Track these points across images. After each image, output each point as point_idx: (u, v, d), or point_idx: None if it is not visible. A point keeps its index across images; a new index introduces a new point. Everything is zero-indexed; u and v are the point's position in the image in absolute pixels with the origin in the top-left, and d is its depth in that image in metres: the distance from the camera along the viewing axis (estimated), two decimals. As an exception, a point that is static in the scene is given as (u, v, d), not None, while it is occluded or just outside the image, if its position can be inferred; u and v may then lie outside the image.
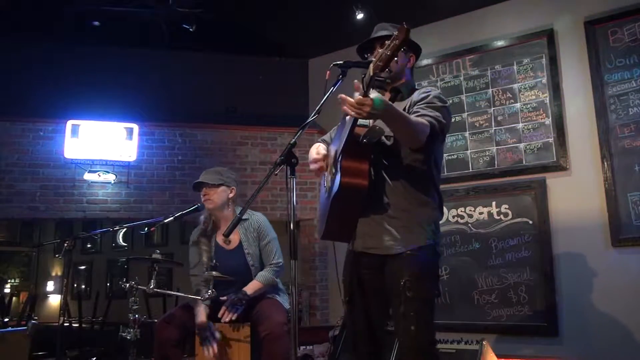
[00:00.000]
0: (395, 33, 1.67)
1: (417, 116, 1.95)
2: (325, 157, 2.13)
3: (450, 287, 4.05)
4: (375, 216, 2.03)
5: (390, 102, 1.85)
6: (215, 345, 2.88)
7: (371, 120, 2.06)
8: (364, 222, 2.06)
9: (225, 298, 2.92)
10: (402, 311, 1.92)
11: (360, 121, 1.96)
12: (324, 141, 2.35)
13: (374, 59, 1.76)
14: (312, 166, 2.15)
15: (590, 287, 3.55)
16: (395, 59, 1.73)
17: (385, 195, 2.03)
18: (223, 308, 2.90)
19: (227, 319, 2.88)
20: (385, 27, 2.16)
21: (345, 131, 1.96)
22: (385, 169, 2.04)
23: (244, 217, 3.02)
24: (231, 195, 3.14)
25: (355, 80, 1.82)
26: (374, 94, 1.79)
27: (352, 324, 2.13)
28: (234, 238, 3.12)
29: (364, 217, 2.05)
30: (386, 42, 1.72)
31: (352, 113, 1.79)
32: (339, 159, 1.96)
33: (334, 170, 2.05)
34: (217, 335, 2.90)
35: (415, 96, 2.08)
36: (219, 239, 3.16)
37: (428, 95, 2.05)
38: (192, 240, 3.22)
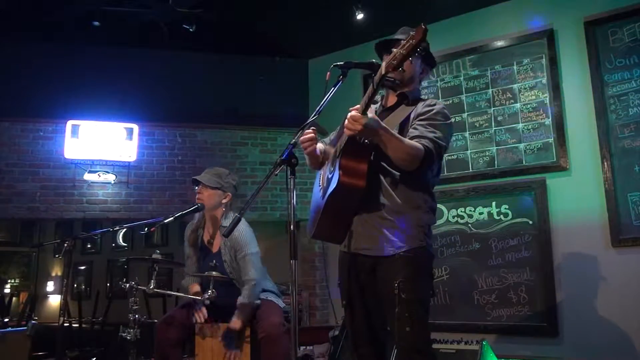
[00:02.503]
0: (412, 33, 1.66)
1: (415, 135, 1.95)
2: (314, 139, 2.11)
3: (450, 287, 4.05)
4: (369, 217, 2.04)
5: (385, 126, 1.86)
6: (204, 310, 2.97)
7: None
8: (357, 223, 2.06)
9: (207, 302, 2.93)
10: (396, 312, 1.92)
11: None
12: (323, 142, 2.35)
13: (386, 59, 1.75)
14: (304, 144, 2.12)
15: (590, 287, 3.55)
16: (410, 59, 1.71)
17: (380, 196, 2.03)
18: (226, 351, 2.92)
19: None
20: (407, 31, 2.16)
21: None
22: (381, 171, 2.04)
23: (225, 225, 3.05)
24: (224, 200, 3.14)
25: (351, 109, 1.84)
26: (370, 114, 1.81)
27: (353, 326, 2.12)
28: (216, 242, 3.15)
29: (358, 218, 2.05)
30: (402, 41, 1.70)
31: (347, 130, 1.82)
32: (339, 157, 1.96)
33: (332, 169, 2.04)
34: (207, 302, 2.92)
35: (420, 108, 2.08)
36: (205, 237, 3.20)
37: (431, 110, 2.04)
38: (185, 234, 3.30)
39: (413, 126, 2.01)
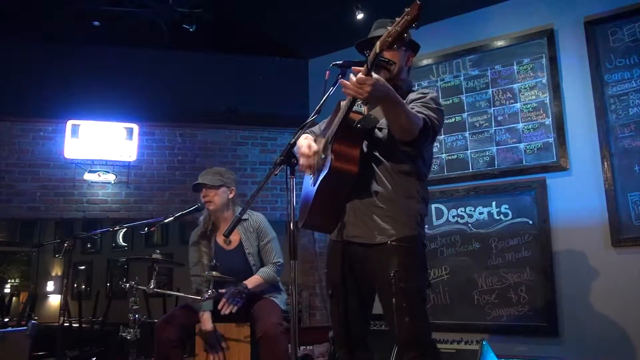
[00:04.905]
0: (407, 9, 1.62)
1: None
2: (316, 153, 2.08)
3: (450, 287, 4.05)
4: (362, 205, 2.03)
5: (390, 87, 1.82)
6: (220, 354, 2.90)
7: (366, 108, 2.05)
8: (349, 211, 2.05)
9: (224, 290, 2.90)
10: (394, 303, 1.90)
11: (356, 107, 1.95)
12: (312, 132, 2.31)
13: (380, 37, 1.70)
14: (302, 160, 2.06)
15: (590, 287, 3.55)
16: (405, 35, 1.66)
17: (373, 184, 2.02)
18: (222, 300, 2.88)
19: (227, 311, 2.86)
20: (385, 23, 2.16)
21: (340, 116, 1.95)
22: (374, 160, 2.04)
23: (243, 217, 3.04)
24: (231, 195, 3.13)
25: (354, 67, 1.80)
26: (375, 75, 1.77)
27: (337, 315, 2.10)
28: (234, 238, 3.11)
29: (350, 206, 2.04)
30: (396, 19, 1.66)
31: (351, 92, 1.76)
32: (331, 142, 1.95)
33: (323, 156, 2.03)
34: (224, 344, 2.92)
35: (412, 96, 2.09)
36: (219, 239, 3.16)
37: (424, 97, 2.05)
38: (191, 240, 3.22)
39: None
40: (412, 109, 1.97)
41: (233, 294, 2.88)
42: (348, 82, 1.76)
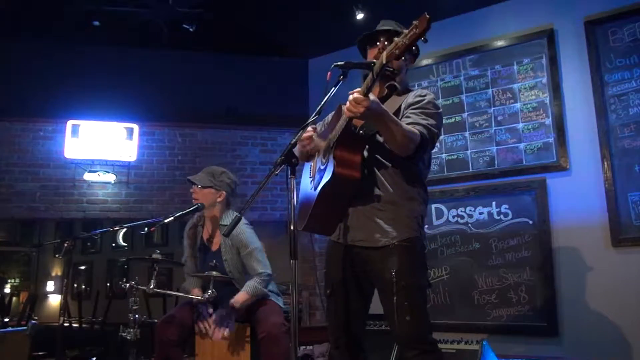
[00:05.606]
0: (416, 22, 1.65)
1: (409, 123, 1.96)
2: (311, 139, 2.10)
3: (450, 287, 4.05)
4: (364, 209, 2.04)
5: (386, 109, 1.86)
6: (210, 321, 2.94)
7: None
8: (352, 215, 2.06)
9: (211, 312, 2.95)
10: (395, 302, 1.92)
11: None
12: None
13: (387, 48, 1.72)
14: (304, 142, 2.08)
15: (590, 287, 3.55)
16: (412, 46, 1.69)
17: (374, 188, 2.04)
18: (213, 326, 2.92)
19: (219, 337, 2.90)
20: (390, 23, 2.17)
21: (342, 122, 1.96)
22: (376, 163, 2.05)
23: (225, 223, 3.05)
24: (219, 199, 3.14)
25: (350, 92, 1.82)
26: (372, 97, 1.80)
27: (335, 316, 2.11)
28: (216, 240, 3.16)
29: (353, 210, 2.06)
30: (404, 31, 1.69)
31: (346, 111, 1.81)
32: (332, 148, 1.96)
33: (324, 160, 2.04)
34: (211, 311, 2.96)
35: (410, 98, 2.10)
36: (205, 235, 3.21)
37: (423, 100, 2.06)
38: (186, 229, 3.30)
39: (405, 115, 2.03)
40: (409, 117, 1.99)
41: (222, 317, 2.92)
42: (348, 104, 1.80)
